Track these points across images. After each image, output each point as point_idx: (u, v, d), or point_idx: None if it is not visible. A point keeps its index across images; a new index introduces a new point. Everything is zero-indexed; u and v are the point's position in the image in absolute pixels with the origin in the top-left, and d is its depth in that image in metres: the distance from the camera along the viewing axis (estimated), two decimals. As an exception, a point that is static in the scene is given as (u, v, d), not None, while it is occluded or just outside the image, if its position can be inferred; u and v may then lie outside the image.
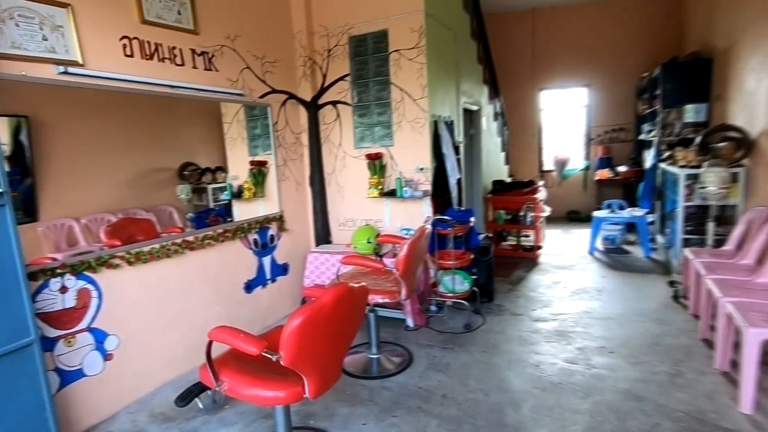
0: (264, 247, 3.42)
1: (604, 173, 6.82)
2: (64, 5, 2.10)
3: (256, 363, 1.67)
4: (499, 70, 6.32)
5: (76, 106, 2.27)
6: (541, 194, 5.32)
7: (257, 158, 3.48)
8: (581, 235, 5.97)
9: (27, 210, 2.12)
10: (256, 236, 3.33)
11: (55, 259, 2.14)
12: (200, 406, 1.98)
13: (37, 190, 2.17)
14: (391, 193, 3.55)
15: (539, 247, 5.12)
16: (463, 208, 3.68)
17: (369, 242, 3.40)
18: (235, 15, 3.09)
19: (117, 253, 2.36)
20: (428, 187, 3.48)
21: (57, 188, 2.26)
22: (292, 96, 3.67)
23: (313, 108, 3.78)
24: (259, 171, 3.53)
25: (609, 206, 5.22)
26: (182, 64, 2.71)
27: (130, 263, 2.41)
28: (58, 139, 2.26)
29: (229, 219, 3.25)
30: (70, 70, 2.11)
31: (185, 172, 3.01)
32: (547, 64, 7.24)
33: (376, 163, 3.61)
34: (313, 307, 1.48)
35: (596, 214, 5.16)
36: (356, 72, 3.63)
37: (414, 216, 3.56)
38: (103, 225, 2.45)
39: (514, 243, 5.38)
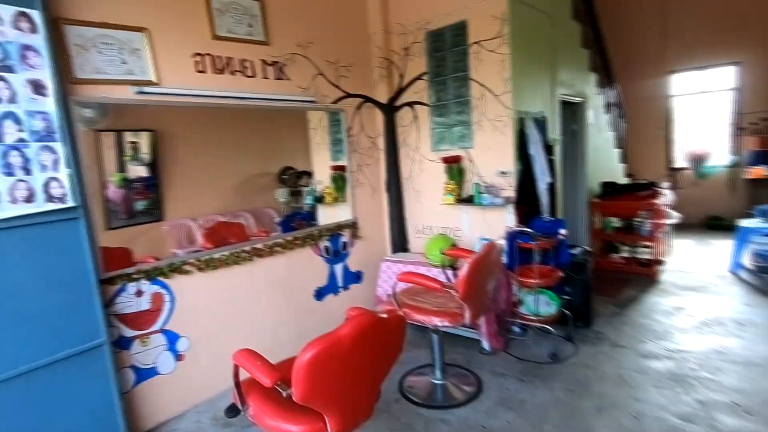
0: (336, 255, 3.38)
1: (759, 171, 5.48)
2: (141, 29, 2.25)
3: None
4: (615, 53, 5.46)
5: (194, 119, 2.60)
6: (665, 198, 4.44)
7: (338, 163, 3.46)
8: (723, 247, 4.87)
9: (154, 212, 2.53)
10: (327, 243, 3.30)
11: (157, 258, 2.41)
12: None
13: (163, 194, 2.54)
14: (469, 200, 3.24)
15: (660, 262, 4.27)
16: (552, 218, 3.20)
17: (442, 253, 3.14)
18: (307, 23, 3.08)
19: (188, 260, 2.48)
20: (511, 193, 3.09)
21: (178, 192, 2.61)
22: (367, 99, 3.57)
23: (389, 110, 3.63)
24: (339, 176, 3.51)
25: (764, 213, 4.14)
26: (253, 75, 2.77)
27: (200, 269, 2.53)
28: (179, 150, 2.60)
29: (313, 223, 3.30)
30: (145, 89, 2.26)
31: (284, 176, 3.20)
32: (680, 41, 6.07)
33: (454, 167, 3.32)
34: (328, 340, 1.31)
35: (745, 222, 4.13)
36: (434, 69, 3.38)
37: (494, 226, 3.20)
38: (228, 223, 2.81)
39: (627, 256, 4.59)
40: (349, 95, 3.42)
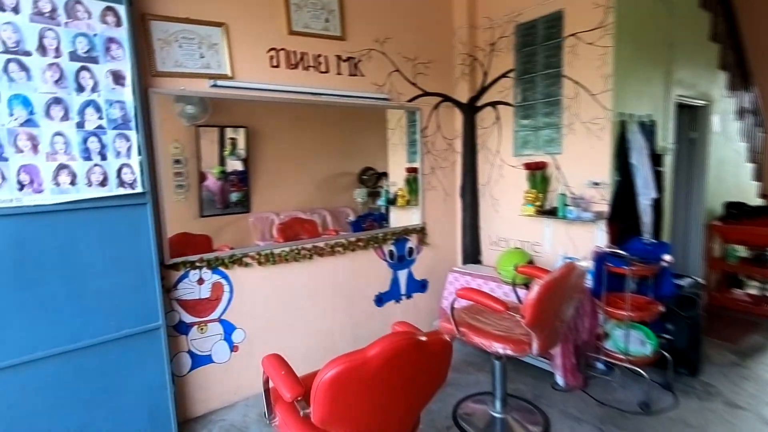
0: (401, 260, 3.22)
1: None
2: (220, 24, 2.31)
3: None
4: (754, 49, 4.56)
5: (282, 117, 2.70)
6: (815, 227, 3.57)
7: (413, 165, 3.32)
8: None
9: (244, 203, 2.68)
10: (392, 247, 3.15)
11: (231, 247, 2.50)
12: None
13: (250, 187, 2.68)
14: (552, 212, 2.86)
15: (802, 306, 3.44)
16: (655, 241, 2.69)
17: (515, 270, 2.81)
18: (386, 17, 2.97)
19: (249, 253, 2.50)
20: (605, 207, 2.66)
21: (264, 187, 2.73)
22: (446, 98, 3.36)
23: (470, 110, 3.38)
24: (413, 178, 3.36)
25: None
26: (326, 71, 2.72)
27: (260, 263, 2.53)
28: (268, 147, 2.72)
29: (384, 225, 3.22)
30: (219, 83, 2.31)
31: (364, 177, 3.21)
32: None
33: (537, 175, 2.97)
34: (353, 360, 1.15)
35: None
36: (522, 66, 3.06)
37: (580, 243, 2.79)
38: (301, 219, 2.90)
39: (755, 293, 3.78)
40: (427, 93, 3.24)
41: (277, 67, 2.53)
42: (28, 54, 1.67)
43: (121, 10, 1.86)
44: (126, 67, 1.88)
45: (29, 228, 1.71)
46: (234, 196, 2.65)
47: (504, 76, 3.18)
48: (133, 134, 1.92)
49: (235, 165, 2.63)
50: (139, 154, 1.93)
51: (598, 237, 2.69)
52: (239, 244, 2.60)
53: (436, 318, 3.40)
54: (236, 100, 2.43)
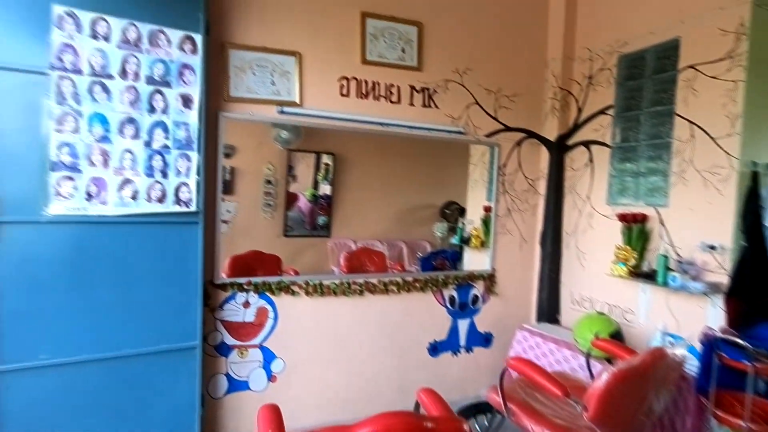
0: (463, 308, 2.92)
1: None
2: (294, 53, 2.35)
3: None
4: None
5: (367, 145, 2.72)
6: None
7: (490, 204, 3.05)
8: None
9: (328, 227, 2.76)
10: (453, 293, 2.87)
11: (297, 272, 2.52)
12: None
13: (333, 212, 2.75)
14: (650, 276, 2.36)
15: None
16: (795, 331, 2.04)
17: (592, 343, 2.35)
18: (469, 48, 2.80)
19: (298, 281, 2.43)
20: (723, 278, 2.11)
21: (346, 213, 2.78)
22: (531, 134, 3.04)
23: (558, 149, 3.02)
24: (489, 218, 3.08)
25: None
26: (398, 101, 2.63)
27: (307, 293, 2.45)
28: (352, 173, 2.77)
29: (457, 265, 3.04)
30: (287, 109, 2.33)
31: (447, 211, 3.11)
32: None
33: (634, 229, 2.49)
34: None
35: None
36: (624, 102, 2.65)
37: (685, 320, 2.24)
38: (370, 250, 2.89)
39: None
40: (509, 128, 2.97)
41: (346, 95, 2.49)
42: (111, 77, 1.82)
43: (199, 39, 1.96)
44: (195, 92, 1.97)
45: (90, 235, 1.83)
46: (321, 219, 2.74)
47: (601, 112, 2.79)
48: (194, 155, 1.98)
49: (325, 189, 2.73)
50: (198, 174, 1.98)
51: (711, 315, 2.13)
52: (314, 268, 2.67)
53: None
54: (325, 128, 2.47)
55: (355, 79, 2.51)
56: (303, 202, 2.72)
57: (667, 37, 2.41)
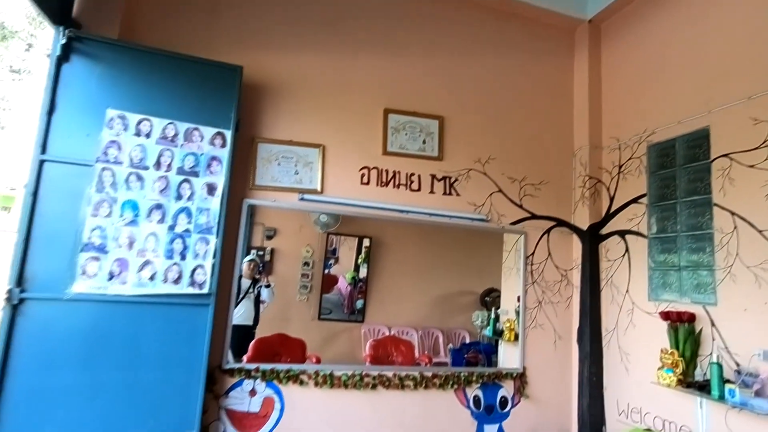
0: (489, 411, 2.63)
1: None
2: (318, 146, 2.51)
3: None
4: None
5: (404, 229, 2.71)
6: None
7: None
8: None
9: (363, 312, 2.71)
10: (478, 392, 2.62)
11: (318, 359, 2.46)
12: None
13: (368, 296, 2.71)
14: (703, 387, 2.03)
15: None
16: None
17: (642, 464, 1.99)
18: (491, 138, 2.87)
19: (308, 370, 2.34)
20: (794, 396, 1.77)
21: (381, 297, 2.75)
22: (561, 223, 2.93)
23: (591, 239, 2.86)
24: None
25: None
26: (418, 189, 2.67)
27: (317, 384, 2.33)
28: (389, 257, 2.78)
29: (493, 359, 2.86)
30: (307, 196, 2.44)
31: (487, 298, 2.99)
32: None
33: (681, 330, 2.21)
34: None
35: None
36: (657, 191, 2.53)
37: (754, 446, 1.86)
38: (405, 338, 2.80)
39: None
40: (535, 216, 2.88)
41: (367, 184, 2.58)
42: (146, 168, 2.02)
43: (229, 135, 2.16)
44: (220, 181, 2.12)
45: (106, 315, 1.91)
46: (359, 303, 2.72)
47: (634, 201, 2.66)
48: (213, 239, 2.08)
49: (364, 272, 2.74)
50: (214, 257, 2.06)
51: (786, 443, 1.76)
52: (344, 356, 2.64)
53: (534, 503, 2.57)
54: (345, 214, 2.55)
55: (376, 168, 2.61)
56: (343, 285, 2.72)
57: (696, 126, 2.33)
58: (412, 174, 2.67)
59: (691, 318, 2.20)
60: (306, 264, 2.66)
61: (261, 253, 2.53)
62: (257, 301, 2.54)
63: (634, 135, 2.71)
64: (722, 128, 2.20)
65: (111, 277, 1.92)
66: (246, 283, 2.45)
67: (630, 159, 2.73)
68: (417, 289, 2.86)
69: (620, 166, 2.79)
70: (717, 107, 2.23)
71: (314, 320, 2.64)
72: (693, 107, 2.36)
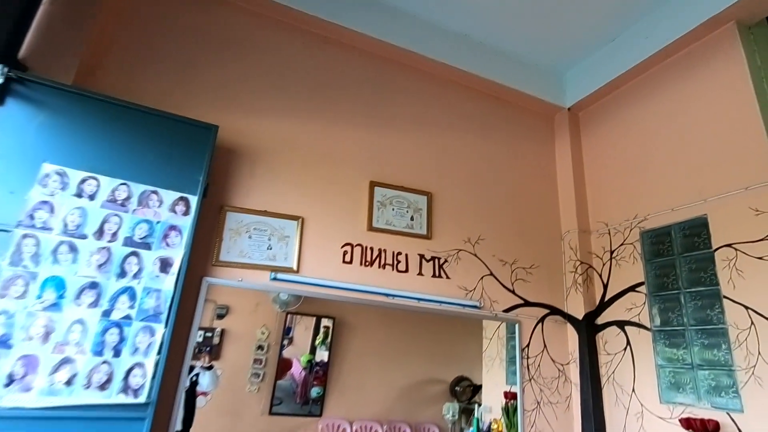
0: None
1: None
2: (297, 218, 2.21)
3: None
4: None
5: (370, 310, 2.42)
6: None
7: (513, 389, 2.54)
8: None
9: (320, 402, 2.35)
10: None
11: None
12: None
13: (328, 385, 2.38)
14: None
15: None
16: None
17: None
18: (480, 218, 2.70)
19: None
20: None
21: (343, 386, 2.39)
22: (554, 311, 2.71)
23: (587, 329, 2.64)
24: (514, 408, 2.54)
25: None
26: (405, 271, 2.39)
27: None
28: (352, 340, 2.46)
29: None
30: (280, 276, 2.08)
31: (457, 388, 2.69)
32: None
33: (706, 441, 1.95)
34: None
35: None
36: (655, 279, 2.39)
37: None
38: None
39: None
40: (528, 303, 2.65)
41: (349, 263, 2.27)
42: (83, 237, 1.62)
43: (194, 201, 1.83)
44: (178, 255, 1.74)
45: (-8, 438, 1.37)
46: (315, 391, 2.37)
47: (631, 289, 2.51)
48: (160, 328, 1.64)
49: (323, 355, 2.44)
50: (159, 352, 1.61)
51: None
52: None
53: None
54: (323, 298, 2.19)
55: (360, 245, 2.32)
56: (297, 369, 2.38)
57: (692, 215, 2.28)
58: (399, 253, 2.40)
59: (716, 427, 1.95)
60: (260, 348, 2.32)
61: (209, 334, 2.18)
62: (191, 396, 2.03)
63: (625, 220, 2.64)
64: (721, 217, 2.14)
65: (9, 381, 1.41)
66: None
67: (622, 245, 2.63)
68: (382, 376, 2.55)
69: (612, 252, 2.68)
70: (713, 196, 2.19)
71: (264, 415, 2.25)
72: (687, 195, 2.32)
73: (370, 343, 2.53)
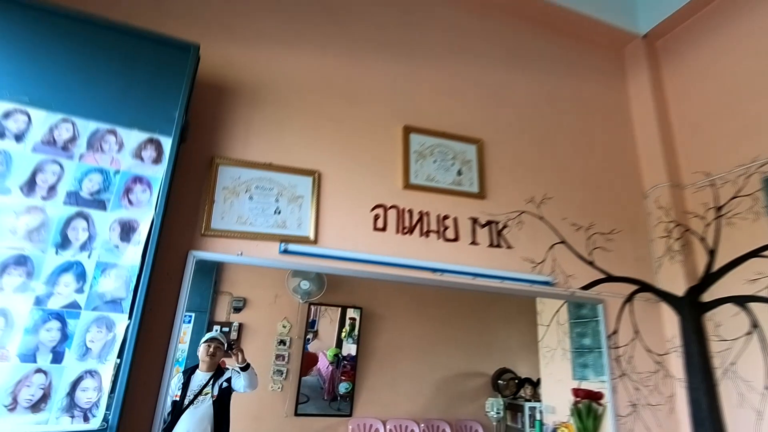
0: None
1: None
2: (312, 173, 1.68)
3: None
4: None
5: (402, 297, 2.19)
6: None
7: (585, 386, 2.04)
8: None
9: (349, 399, 2.13)
10: None
11: None
12: None
13: (357, 381, 2.17)
14: None
15: None
16: None
17: None
18: (545, 171, 2.13)
19: None
20: None
21: (372, 384, 2.15)
22: (644, 287, 2.12)
23: (691, 309, 2.03)
24: (587, 408, 2.01)
25: None
26: (455, 239, 1.84)
27: None
28: (382, 332, 2.18)
29: None
30: (292, 247, 1.56)
31: (500, 381, 2.39)
32: None
33: None
34: None
35: None
36: (793, 239, 1.77)
37: None
38: None
39: None
40: (611, 278, 2.07)
41: (382, 230, 1.74)
42: (6, 192, 1.12)
43: (167, 144, 1.31)
44: (145, 217, 1.23)
45: None
46: (343, 387, 2.18)
47: (754, 255, 1.89)
48: (121, 320, 1.14)
49: (350, 349, 2.23)
50: (120, 355, 1.11)
51: None
52: None
53: None
54: (350, 275, 1.70)
55: (395, 207, 1.78)
56: (323, 364, 2.22)
57: None
58: (446, 217, 1.85)
59: None
60: (282, 343, 2.11)
61: (227, 329, 1.97)
62: (221, 404, 1.65)
63: (737, 166, 2.01)
64: None
65: None
66: (199, 378, 1.55)
67: (735, 198, 2.00)
68: (416, 370, 2.31)
69: (719, 208, 2.06)
70: None
71: (289, 417, 2.06)
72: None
73: (400, 334, 2.28)
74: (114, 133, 1.27)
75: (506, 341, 2.46)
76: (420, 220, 1.80)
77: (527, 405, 2.32)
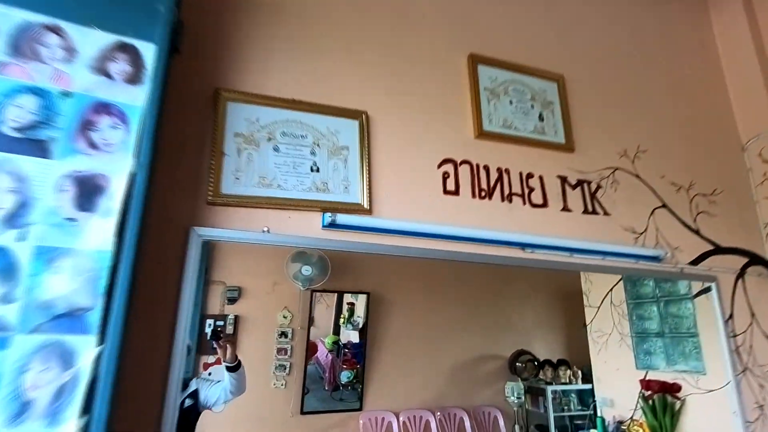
0: None
1: None
2: (357, 115, 1.19)
3: None
4: None
5: (413, 279, 1.96)
6: None
7: (657, 377, 1.75)
8: None
9: (355, 389, 1.99)
10: None
11: None
12: None
13: (366, 370, 2.02)
14: None
15: None
16: None
17: None
18: (634, 119, 1.69)
19: None
20: None
21: (382, 374, 1.96)
22: (754, 259, 1.72)
23: (815, 284, 1.66)
24: (661, 401, 1.70)
25: None
26: (543, 204, 1.39)
27: None
28: (391, 317, 1.93)
29: None
30: (341, 220, 1.07)
31: (517, 364, 2.26)
32: None
33: None
34: None
35: None
36: None
37: None
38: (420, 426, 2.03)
39: None
40: (719, 249, 1.66)
41: (454, 193, 1.27)
42: None
43: (150, 53, 0.80)
44: (118, 172, 0.73)
45: None
46: (344, 376, 2.07)
47: None
48: (86, 345, 0.65)
49: (349, 336, 2.09)
50: (86, 411, 0.63)
51: None
52: None
53: None
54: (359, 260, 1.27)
55: (467, 163, 1.31)
56: (322, 353, 2.11)
57: None
58: (530, 175, 1.40)
59: None
60: (283, 335, 1.91)
61: (221, 323, 1.77)
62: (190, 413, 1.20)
63: None
64: None
65: None
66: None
67: None
68: (428, 356, 2.18)
69: None
70: None
71: (295, 416, 1.89)
72: None
73: (409, 319, 2.11)
74: (57, 30, 0.75)
75: (520, 321, 2.27)
76: (499, 179, 1.34)
77: (549, 388, 2.13)
